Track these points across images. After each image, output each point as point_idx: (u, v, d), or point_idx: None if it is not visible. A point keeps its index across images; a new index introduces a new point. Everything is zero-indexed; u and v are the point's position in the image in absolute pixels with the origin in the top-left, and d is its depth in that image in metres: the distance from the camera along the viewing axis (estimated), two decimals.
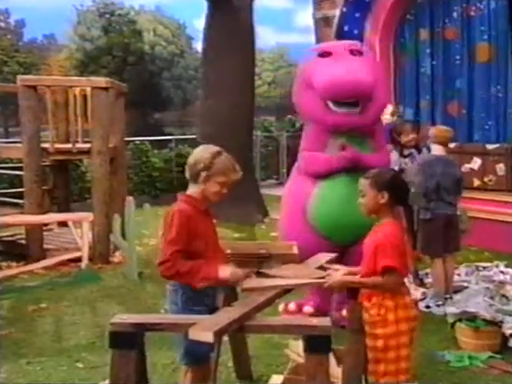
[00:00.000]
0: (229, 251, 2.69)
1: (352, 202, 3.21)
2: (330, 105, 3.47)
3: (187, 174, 2.46)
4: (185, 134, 14.87)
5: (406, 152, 4.64)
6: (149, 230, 7.69)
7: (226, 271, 2.29)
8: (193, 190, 2.45)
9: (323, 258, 2.77)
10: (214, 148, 2.45)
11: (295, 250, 2.73)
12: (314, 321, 2.01)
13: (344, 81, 3.34)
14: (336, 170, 3.55)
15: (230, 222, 7.64)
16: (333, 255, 2.85)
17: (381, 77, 3.70)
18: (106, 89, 5.88)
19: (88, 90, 5.94)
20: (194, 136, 11.32)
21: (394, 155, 4.60)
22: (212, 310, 2.33)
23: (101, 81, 6.00)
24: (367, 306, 2.35)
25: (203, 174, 2.38)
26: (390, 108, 7.72)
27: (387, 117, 7.68)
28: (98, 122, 5.87)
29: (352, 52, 3.54)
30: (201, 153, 2.44)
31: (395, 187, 2.40)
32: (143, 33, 26.06)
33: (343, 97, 3.42)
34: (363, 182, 2.44)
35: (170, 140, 11.51)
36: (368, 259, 2.35)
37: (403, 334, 2.31)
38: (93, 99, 5.88)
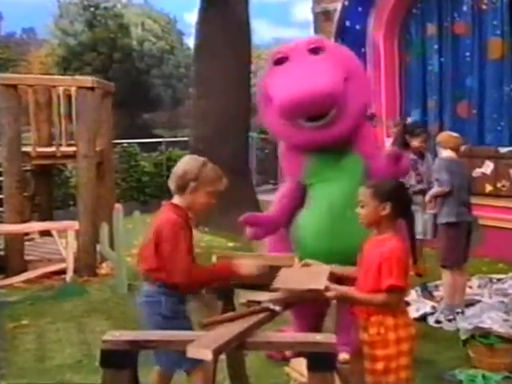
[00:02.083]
0: None
1: (340, 229, 3.17)
2: (303, 124, 3.20)
3: (172, 185, 2.57)
4: (176, 136, 14.87)
5: (412, 156, 4.68)
6: (138, 239, 7.68)
7: (243, 266, 2.47)
8: (179, 200, 2.56)
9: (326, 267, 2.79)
10: (200, 158, 2.62)
11: (296, 262, 2.74)
12: (318, 337, 2.02)
13: (299, 96, 3.00)
14: None
15: (224, 231, 7.66)
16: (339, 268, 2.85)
17: (354, 73, 3.25)
18: (92, 88, 5.91)
19: (73, 89, 5.95)
20: (185, 138, 11.36)
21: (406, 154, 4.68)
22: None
23: (87, 80, 6.02)
24: (365, 324, 2.34)
25: (192, 184, 2.51)
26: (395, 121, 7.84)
27: (394, 130, 7.77)
28: (84, 124, 5.89)
29: (312, 51, 3.20)
30: (188, 163, 2.57)
31: (398, 199, 2.39)
32: (131, 27, 26.04)
33: (303, 114, 3.12)
34: (364, 192, 2.43)
35: (160, 142, 11.56)
36: (372, 276, 2.32)
37: (404, 355, 2.29)
38: (78, 100, 5.90)
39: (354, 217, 3.07)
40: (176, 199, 2.57)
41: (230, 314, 2.18)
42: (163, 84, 25.11)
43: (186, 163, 2.56)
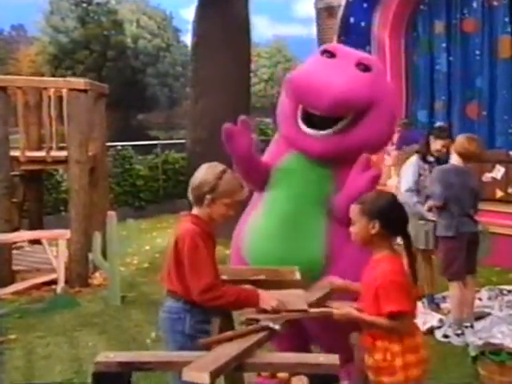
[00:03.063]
0: (224, 277, 2.70)
1: (290, 240, 3.04)
2: (299, 119, 3.09)
3: (190, 196, 2.55)
4: (172, 138, 14.89)
5: (429, 158, 4.69)
6: (133, 247, 7.70)
7: (266, 301, 2.37)
8: (198, 211, 2.54)
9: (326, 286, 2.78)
10: (217, 167, 2.53)
11: (297, 276, 2.74)
12: (321, 358, 2.02)
13: (315, 83, 2.89)
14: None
15: (220, 237, 7.62)
16: (340, 281, 2.84)
17: (380, 104, 3.07)
18: (84, 91, 5.90)
19: (64, 91, 5.95)
20: (182, 140, 11.35)
21: (414, 158, 4.67)
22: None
23: (79, 82, 6.01)
24: (371, 349, 2.30)
25: (208, 196, 2.48)
26: (402, 121, 7.85)
27: (400, 131, 7.78)
28: (76, 128, 5.88)
29: (359, 65, 3.11)
30: (204, 174, 2.51)
31: (390, 216, 2.29)
32: (125, 24, 26.13)
33: (306, 103, 2.99)
34: (353, 208, 2.35)
35: (155, 145, 11.52)
36: (370, 303, 2.27)
37: (413, 381, 2.24)
38: (70, 102, 5.89)
39: (305, 233, 3.05)
40: (195, 210, 2.55)
41: (228, 334, 2.17)
42: (159, 83, 25.15)
43: (203, 173, 2.51)
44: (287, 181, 3.17)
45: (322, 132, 3.02)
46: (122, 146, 10.59)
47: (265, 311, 2.35)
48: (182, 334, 2.48)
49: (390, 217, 2.30)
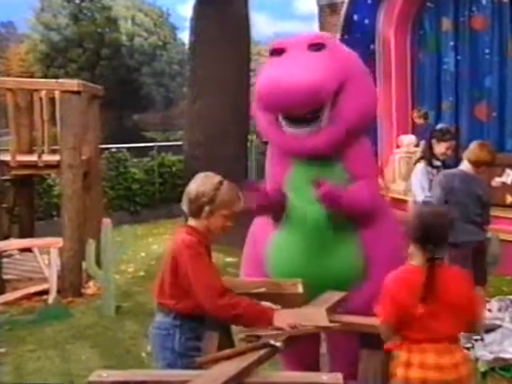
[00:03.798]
0: None
1: (320, 254, 3.02)
2: (281, 121, 3.02)
3: (185, 208, 2.54)
4: (168, 140, 14.89)
5: (435, 163, 4.67)
6: (128, 254, 7.69)
7: (281, 320, 2.33)
8: (195, 223, 2.54)
9: (332, 297, 2.77)
10: (214, 178, 2.55)
11: (300, 289, 2.73)
12: (324, 377, 2.01)
13: (280, 86, 2.81)
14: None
15: (220, 244, 7.61)
16: (343, 294, 2.84)
17: (355, 77, 3.08)
18: (77, 92, 5.90)
19: (57, 93, 5.94)
20: (179, 142, 11.34)
21: (421, 165, 4.64)
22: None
23: (72, 83, 6.00)
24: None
25: (206, 208, 2.48)
26: (422, 111, 7.89)
27: (419, 120, 7.83)
28: (69, 131, 5.87)
29: (312, 47, 3.06)
30: (201, 184, 2.52)
31: (411, 225, 2.45)
32: (119, 21, 26.16)
33: (283, 110, 2.94)
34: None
35: (151, 147, 11.52)
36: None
37: None
38: (63, 104, 5.89)
39: (334, 241, 3.02)
40: (192, 221, 2.55)
41: (227, 351, 2.15)
42: (155, 82, 25.18)
43: (200, 184, 2.52)
44: (303, 193, 3.09)
45: (309, 128, 2.96)
46: (116, 148, 10.59)
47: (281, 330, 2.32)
48: (171, 351, 2.47)
49: (411, 226, 2.50)
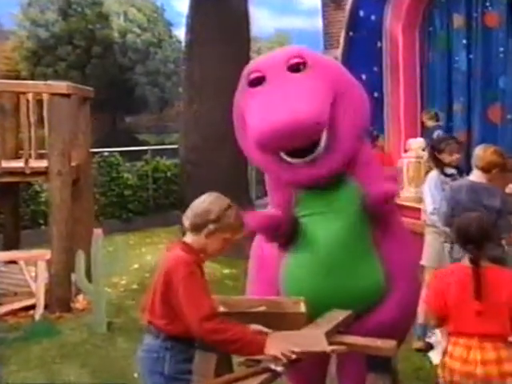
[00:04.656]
0: (221, 308, 2.69)
1: (339, 275, 3.03)
2: (288, 159, 3.00)
3: (187, 222, 2.58)
4: (163, 143, 14.89)
5: (448, 171, 4.67)
6: (120, 264, 7.66)
7: (274, 347, 2.33)
8: (193, 239, 2.58)
9: (336, 316, 2.77)
10: (225, 199, 2.64)
11: (302, 308, 2.72)
12: None
13: (276, 127, 2.78)
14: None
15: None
16: (348, 312, 2.83)
17: (345, 92, 3.07)
18: (67, 95, 5.89)
19: (45, 95, 5.93)
20: (174, 146, 11.34)
21: (434, 174, 4.64)
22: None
23: (61, 86, 5.99)
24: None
25: (211, 226, 2.54)
26: (432, 112, 7.88)
27: (430, 122, 7.81)
28: (58, 136, 5.86)
29: (292, 68, 3.01)
30: (210, 202, 2.59)
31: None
32: (111, 17, 26.20)
33: (284, 148, 2.95)
34: None
35: (145, 150, 11.52)
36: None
37: None
38: (51, 108, 5.88)
39: (353, 260, 3.05)
40: (189, 238, 2.59)
41: (226, 377, 2.14)
42: (149, 82, 25.19)
43: (210, 202, 2.60)
44: (313, 219, 3.13)
45: (306, 158, 2.96)
46: (108, 152, 10.58)
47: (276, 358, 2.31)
48: (161, 375, 2.48)
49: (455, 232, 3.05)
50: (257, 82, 3.05)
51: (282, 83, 2.96)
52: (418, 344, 4.63)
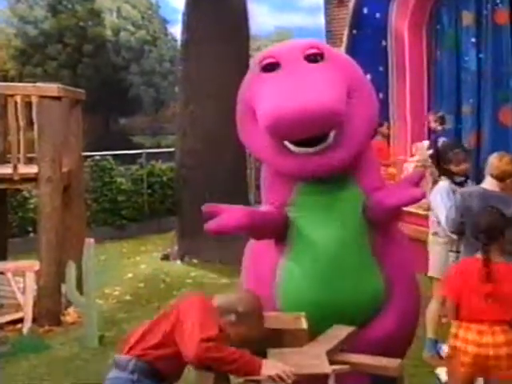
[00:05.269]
0: None
1: (338, 280, 3.06)
2: (288, 144, 3.04)
3: None
4: (159, 146, 14.92)
5: (457, 179, 4.66)
6: (112, 274, 7.63)
7: (270, 368, 2.37)
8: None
9: (339, 333, 2.75)
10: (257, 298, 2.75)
11: (304, 324, 2.71)
12: None
13: (291, 113, 2.82)
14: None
15: (216, 263, 7.62)
16: (351, 329, 2.82)
17: (358, 87, 3.14)
18: (58, 98, 5.88)
19: (34, 98, 5.92)
20: (170, 149, 11.34)
21: (445, 183, 4.62)
22: None
23: (52, 88, 5.97)
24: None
25: (232, 317, 2.62)
26: (438, 114, 7.87)
27: (435, 125, 7.79)
28: (48, 141, 5.85)
29: (309, 58, 3.06)
30: (242, 298, 2.77)
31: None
32: (103, 14, 26.20)
33: (295, 136, 2.98)
34: None
35: (139, 154, 11.53)
36: None
37: None
38: (41, 111, 5.86)
39: (352, 267, 3.06)
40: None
41: None
42: (144, 82, 25.21)
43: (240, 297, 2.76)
44: (312, 217, 3.14)
45: (315, 148, 2.99)
46: (100, 155, 10.59)
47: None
48: None
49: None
50: (270, 67, 3.08)
51: (298, 71, 3.01)
52: (429, 357, 4.63)
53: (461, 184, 4.65)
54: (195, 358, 2.37)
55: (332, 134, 2.97)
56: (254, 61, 3.26)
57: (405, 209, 7.42)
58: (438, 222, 4.61)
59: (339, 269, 3.05)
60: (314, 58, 3.07)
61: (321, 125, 2.87)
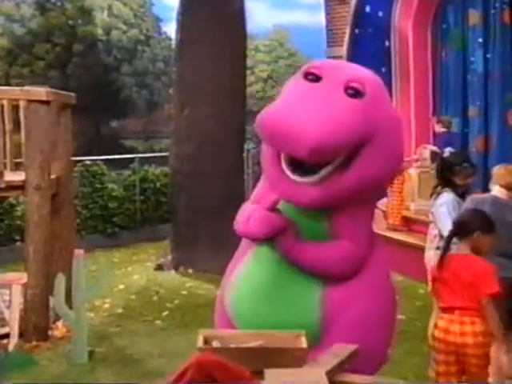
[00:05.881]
0: (214, 343, 2.71)
1: (277, 297, 3.13)
2: (284, 166, 3.04)
3: None
4: (152, 149, 14.88)
5: (459, 191, 4.67)
6: (103, 285, 7.58)
7: None
8: None
9: (340, 351, 2.76)
10: None
11: (304, 344, 2.72)
12: None
13: (280, 122, 2.84)
14: (251, 237, 3.14)
15: (211, 273, 7.61)
16: (353, 347, 2.82)
17: (380, 135, 3.04)
18: (46, 102, 5.86)
19: (22, 102, 5.91)
20: (164, 154, 11.32)
21: (449, 196, 4.61)
22: None
23: (40, 92, 5.94)
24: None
25: None
26: (443, 118, 7.86)
27: (441, 129, 7.78)
28: (36, 147, 5.82)
29: (347, 88, 3.02)
30: None
31: None
32: (94, 12, 26.25)
33: (276, 148, 3.02)
34: None
35: (132, 158, 11.50)
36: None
37: None
38: (29, 116, 5.84)
39: (295, 286, 3.12)
40: None
41: None
42: (136, 83, 25.22)
43: None
44: None
45: (308, 178, 2.97)
46: (91, 160, 10.55)
47: None
48: None
49: None
50: (311, 76, 3.12)
51: (328, 94, 3.00)
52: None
53: (463, 196, 4.66)
54: None
55: (329, 167, 2.95)
56: (304, 67, 3.26)
57: (412, 216, 7.50)
58: (441, 236, 4.59)
59: (279, 291, 3.14)
60: (354, 92, 3.03)
61: (308, 153, 2.78)
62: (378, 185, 3.25)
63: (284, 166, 3.02)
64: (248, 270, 3.25)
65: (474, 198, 4.39)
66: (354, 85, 3.02)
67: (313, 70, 3.12)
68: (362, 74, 3.20)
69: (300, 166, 2.96)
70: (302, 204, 3.05)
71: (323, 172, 2.95)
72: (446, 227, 4.50)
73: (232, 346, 2.72)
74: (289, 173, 3.00)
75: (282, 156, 3.03)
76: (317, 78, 3.09)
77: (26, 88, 6.15)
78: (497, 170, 4.46)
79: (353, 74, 3.15)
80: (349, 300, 3.14)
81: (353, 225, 3.14)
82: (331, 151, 2.85)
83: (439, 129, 7.82)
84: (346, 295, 3.14)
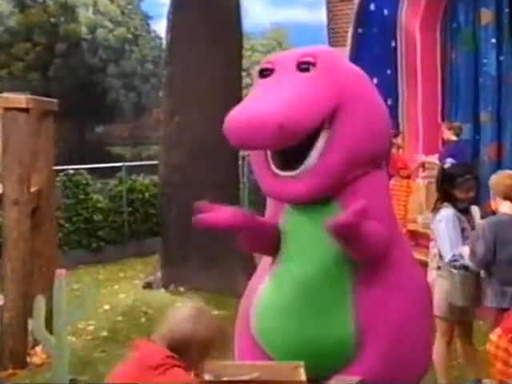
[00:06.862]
0: (206, 376, 2.71)
1: (306, 317, 3.18)
2: (271, 163, 3.23)
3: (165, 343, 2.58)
4: (140, 157, 14.87)
5: (460, 205, 4.63)
6: (86, 306, 7.53)
7: None
8: None
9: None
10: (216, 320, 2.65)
11: (303, 376, 2.72)
12: None
13: (238, 120, 3.05)
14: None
15: (205, 291, 7.57)
16: (354, 380, 2.85)
17: (353, 102, 3.18)
18: (26, 110, 5.86)
19: None
20: (153, 162, 11.32)
21: (449, 212, 4.59)
22: None
23: (19, 99, 5.94)
24: None
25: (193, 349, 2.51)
26: (453, 124, 7.87)
27: (452, 137, 7.78)
28: (14, 158, 5.82)
29: (300, 66, 3.21)
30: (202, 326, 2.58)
31: None
32: (78, 9, 26.32)
33: (246, 147, 3.28)
34: None
35: (118, 167, 11.49)
36: None
37: None
38: (7, 125, 5.85)
39: (323, 302, 3.16)
40: None
41: None
42: (123, 85, 25.30)
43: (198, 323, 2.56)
44: (293, 240, 3.29)
45: (291, 172, 3.13)
46: (74, 169, 10.55)
47: None
48: None
49: None
50: (266, 73, 3.32)
51: (279, 80, 3.20)
52: None
53: (464, 211, 4.62)
54: None
55: (313, 154, 3.08)
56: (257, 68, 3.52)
57: (420, 230, 7.49)
58: (440, 255, 4.57)
59: (307, 303, 3.20)
60: (306, 66, 3.21)
61: (268, 139, 2.93)
62: (367, 152, 3.26)
63: (275, 170, 3.18)
64: (272, 289, 3.34)
65: (490, 223, 4.31)
66: (305, 59, 3.24)
67: (265, 66, 3.35)
68: (313, 48, 3.45)
69: (287, 162, 3.13)
70: (290, 200, 3.23)
71: (307, 162, 3.08)
72: (445, 246, 4.49)
73: (225, 378, 2.70)
74: (278, 171, 3.16)
75: (269, 153, 3.19)
76: (271, 72, 3.29)
77: (4, 95, 6.15)
78: (492, 181, 4.43)
79: (303, 51, 3.37)
80: (383, 300, 3.21)
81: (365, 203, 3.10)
82: (297, 124, 2.95)
83: (449, 136, 7.80)
84: (379, 295, 3.21)
